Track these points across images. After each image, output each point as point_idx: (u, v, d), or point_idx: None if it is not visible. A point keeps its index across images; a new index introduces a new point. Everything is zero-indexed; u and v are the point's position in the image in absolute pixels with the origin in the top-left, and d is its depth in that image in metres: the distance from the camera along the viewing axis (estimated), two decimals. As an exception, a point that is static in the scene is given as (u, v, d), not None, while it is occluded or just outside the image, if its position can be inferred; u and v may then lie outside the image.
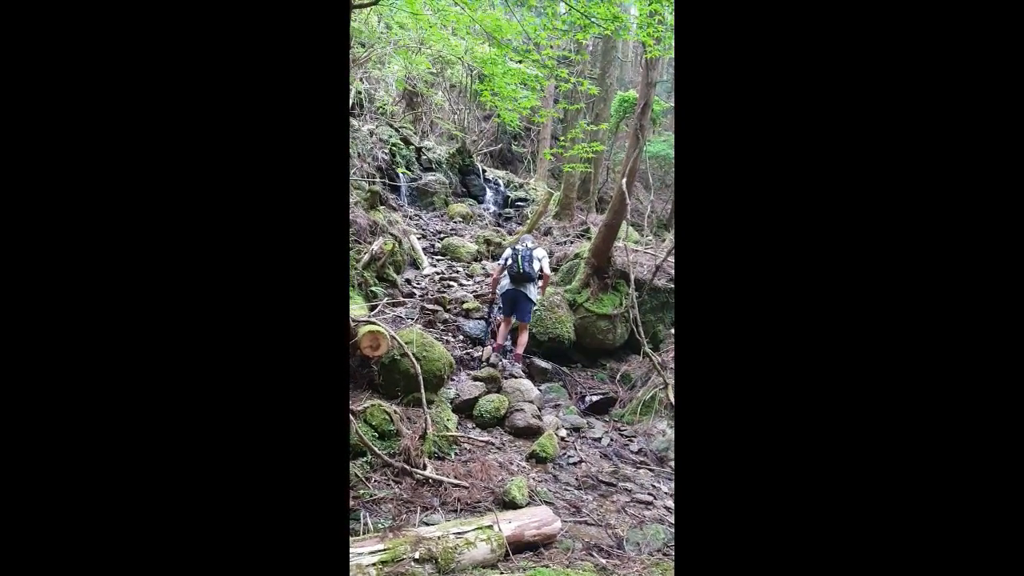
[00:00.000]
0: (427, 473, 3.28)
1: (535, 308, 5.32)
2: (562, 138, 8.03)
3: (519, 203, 11.05)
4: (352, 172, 7.74)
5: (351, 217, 6.31)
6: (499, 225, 10.17)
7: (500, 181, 11.69)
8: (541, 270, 5.12)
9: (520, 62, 4.91)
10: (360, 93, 9.53)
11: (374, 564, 2.24)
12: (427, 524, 2.80)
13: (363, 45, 7.35)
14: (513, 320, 5.22)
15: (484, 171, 11.71)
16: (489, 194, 11.27)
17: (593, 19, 4.31)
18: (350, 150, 8.26)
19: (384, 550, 2.32)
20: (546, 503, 3.27)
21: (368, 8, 4.13)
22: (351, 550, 2.26)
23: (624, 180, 5.70)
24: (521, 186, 11.76)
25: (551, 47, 4.81)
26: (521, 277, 5.03)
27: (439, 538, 2.49)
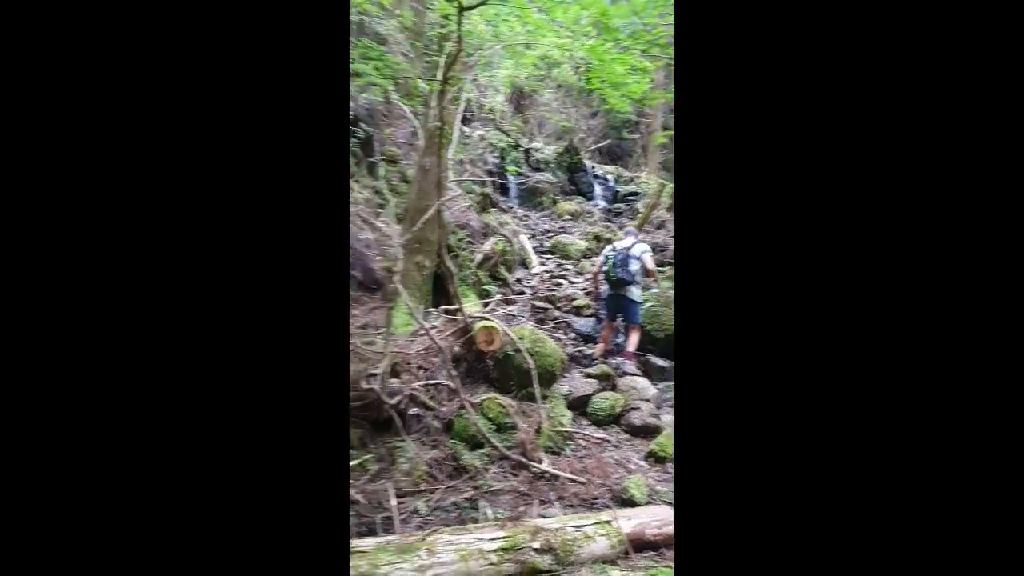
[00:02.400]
0: (543, 467, 3.28)
1: (644, 305, 5.08)
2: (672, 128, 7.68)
3: (629, 197, 10.75)
4: (463, 176, 8.00)
5: (464, 220, 6.51)
6: (609, 221, 9.97)
7: (609, 176, 11.47)
8: (643, 267, 4.85)
9: (627, 48, 4.74)
10: (470, 100, 9.83)
11: (495, 550, 2.27)
12: (544, 517, 2.79)
13: (470, 51, 7.57)
14: (620, 322, 5.04)
15: (592, 167, 11.55)
16: (598, 190, 11.09)
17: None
18: (462, 156, 8.54)
19: (504, 538, 2.34)
20: (666, 503, 3.13)
21: (476, 10, 4.23)
22: (472, 536, 2.31)
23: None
24: (631, 180, 11.45)
25: (662, 26, 4.59)
26: (617, 283, 4.79)
27: (558, 530, 2.47)
